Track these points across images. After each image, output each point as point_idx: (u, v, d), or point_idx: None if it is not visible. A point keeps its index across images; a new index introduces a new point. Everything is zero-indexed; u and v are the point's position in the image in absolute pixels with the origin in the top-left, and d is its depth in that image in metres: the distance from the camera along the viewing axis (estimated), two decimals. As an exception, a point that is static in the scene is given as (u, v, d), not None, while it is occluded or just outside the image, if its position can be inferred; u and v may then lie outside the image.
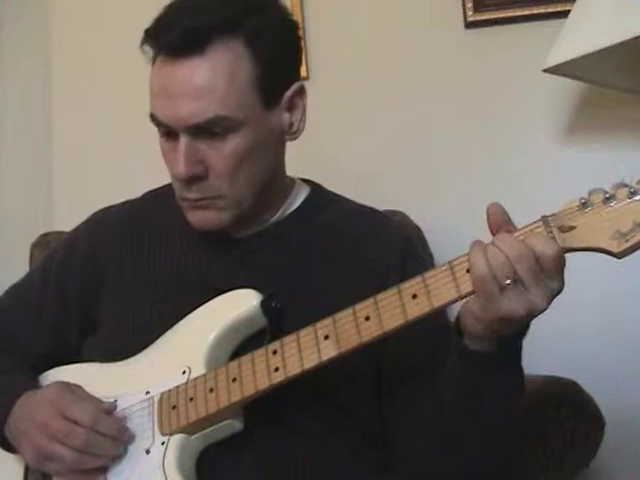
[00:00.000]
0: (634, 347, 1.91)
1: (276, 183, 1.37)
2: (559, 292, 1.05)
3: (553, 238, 1.03)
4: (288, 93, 1.31)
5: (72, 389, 1.27)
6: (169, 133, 1.28)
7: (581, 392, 1.58)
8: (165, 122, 1.26)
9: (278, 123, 1.32)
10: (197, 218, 1.32)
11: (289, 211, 1.40)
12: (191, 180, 1.27)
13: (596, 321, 1.94)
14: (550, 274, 1.03)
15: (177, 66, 1.24)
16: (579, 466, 1.59)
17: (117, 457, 1.23)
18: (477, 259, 1.04)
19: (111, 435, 1.22)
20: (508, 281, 1.02)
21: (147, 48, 1.29)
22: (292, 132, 1.34)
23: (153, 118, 1.28)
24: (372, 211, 1.46)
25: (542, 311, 1.04)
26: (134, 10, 2.17)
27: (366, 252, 1.35)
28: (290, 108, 1.33)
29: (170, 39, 1.24)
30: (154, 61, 1.29)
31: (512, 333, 1.09)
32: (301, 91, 1.34)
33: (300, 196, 1.42)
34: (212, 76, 1.23)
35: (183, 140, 1.25)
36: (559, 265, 1.03)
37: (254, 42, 1.26)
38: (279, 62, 1.30)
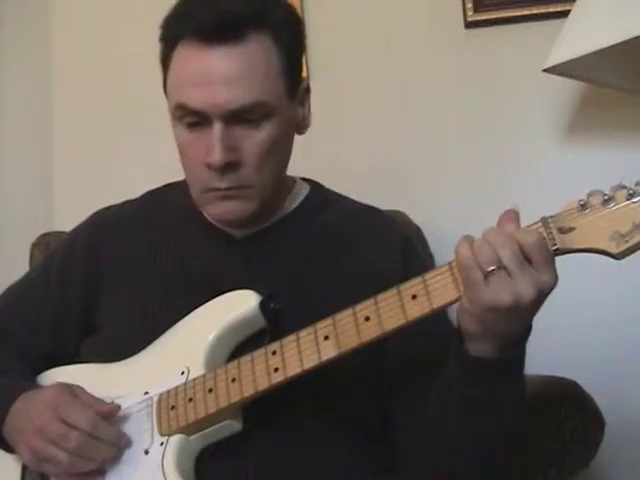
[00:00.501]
0: (634, 347, 1.91)
1: (281, 180, 1.38)
2: (551, 287, 1.04)
3: (553, 239, 1.03)
4: (302, 87, 1.34)
5: (72, 391, 1.27)
6: (197, 123, 1.26)
7: (581, 392, 1.58)
8: (200, 109, 1.24)
9: (296, 115, 1.34)
10: (223, 209, 1.30)
11: (289, 210, 1.40)
12: (225, 168, 1.26)
13: (596, 321, 1.94)
14: (536, 264, 1.03)
15: (213, 52, 1.24)
16: (579, 466, 1.59)
17: (113, 459, 1.23)
18: (461, 247, 1.05)
19: (107, 440, 1.22)
20: (492, 267, 1.02)
21: (166, 37, 1.29)
22: (304, 126, 1.37)
23: (181, 107, 1.26)
24: (373, 210, 1.46)
25: (530, 303, 1.03)
26: (134, 10, 2.18)
27: (366, 252, 1.35)
28: (302, 102, 1.35)
29: (206, 24, 1.23)
30: (169, 52, 1.28)
31: (510, 333, 1.08)
32: (308, 88, 1.37)
33: (300, 195, 1.42)
34: (248, 62, 1.25)
35: (218, 127, 1.24)
36: (543, 254, 1.03)
37: (278, 34, 1.28)
38: (296, 55, 1.33)
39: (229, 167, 1.26)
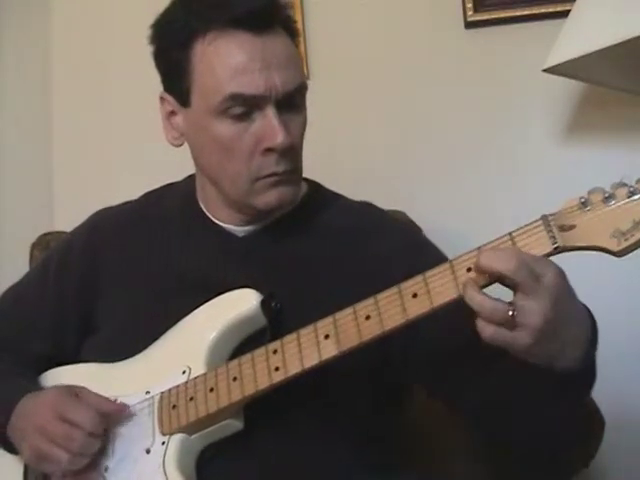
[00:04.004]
0: (634, 347, 1.91)
1: None
2: (562, 278, 1.03)
3: (553, 237, 1.03)
4: None
5: (74, 392, 1.27)
6: (245, 113, 1.26)
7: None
8: (258, 94, 1.25)
9: None
10: (278, 195, 1.30)
11: (288, 209, 1.39)
12: (287, 150, 1.27)
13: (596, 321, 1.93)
14: (538, 271, 1.01)
15: (264, 38, 1.26)
16: (579, 466, 1.59)
17: (115, 459, 1.24)
18: (487, 329, 1.02)
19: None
20: (510, 312, 1.00)
21: (181, 38, 1.29)
22: None
23: (233, 98, 1.25)
24: (371, 208, 1.46)
25: (551, 316, 1.00)
26: (134, 10, 2.18)
27: (366, 249, 1.35)
28: None
29: (252, 13, 1.26)
30: (187, 53, 1.28)
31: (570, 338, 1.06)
32: None
33: (299, 194, 1.42)
34: (289, 47, 1.30)
35: (273, 111, 1.26)
36: (538, 257, 1.02)
37: (287, 25, 1.33)
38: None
39: (288, 149, 1.28)
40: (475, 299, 1.02)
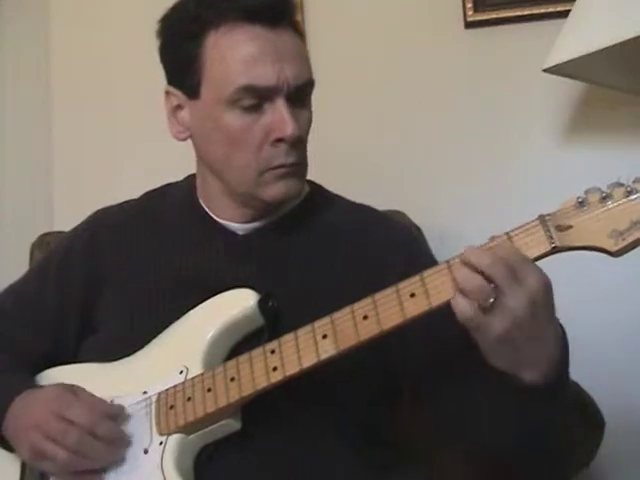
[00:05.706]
0: (634, 347, 1.91)
1: None
2: (545, 288, 1.03)
3: (550, 237, 1.03)
4: None
5: (74, 391, 1.27)
6: (255, 105, 1.27)
7: (581, 392, 1.57)
8: (270, 86, 1.26)
9: None
10: (285, 187, 1.31)
11: (289, 209, 1.39)
12: (296, 142, 1.28)
13: (596, 321, 1.93)
14: (519, 272, 1.02)
15: (276, 32, 1.28)
16: (579, 466, 1.59)
17: (112, 461, 1.23)
18: (461, 304, 1.03)
19: (107, 439, 1.22)
20: (492, 299, 1.01)
21: (193, 29, 1.30)
22: None
23: (245, 89, 1.26)
24: (370, 210, 1.46)
25: (523, 320, 1.01)
26: (134, 9, 2.18)
27: (366, 249, 1.35)
28: None
29: (266, 6, 1.27)
30: (199, 45, 1.29)
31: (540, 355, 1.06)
32: None
33: (300, 195, 1.41)
34: (301, 44, 1.32)
35: (284, 103, 1.27)
36: (524, 260, 1.03)
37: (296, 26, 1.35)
38: None
39: (298, 141, 1.29)
40: (463, 272, 1.03)
